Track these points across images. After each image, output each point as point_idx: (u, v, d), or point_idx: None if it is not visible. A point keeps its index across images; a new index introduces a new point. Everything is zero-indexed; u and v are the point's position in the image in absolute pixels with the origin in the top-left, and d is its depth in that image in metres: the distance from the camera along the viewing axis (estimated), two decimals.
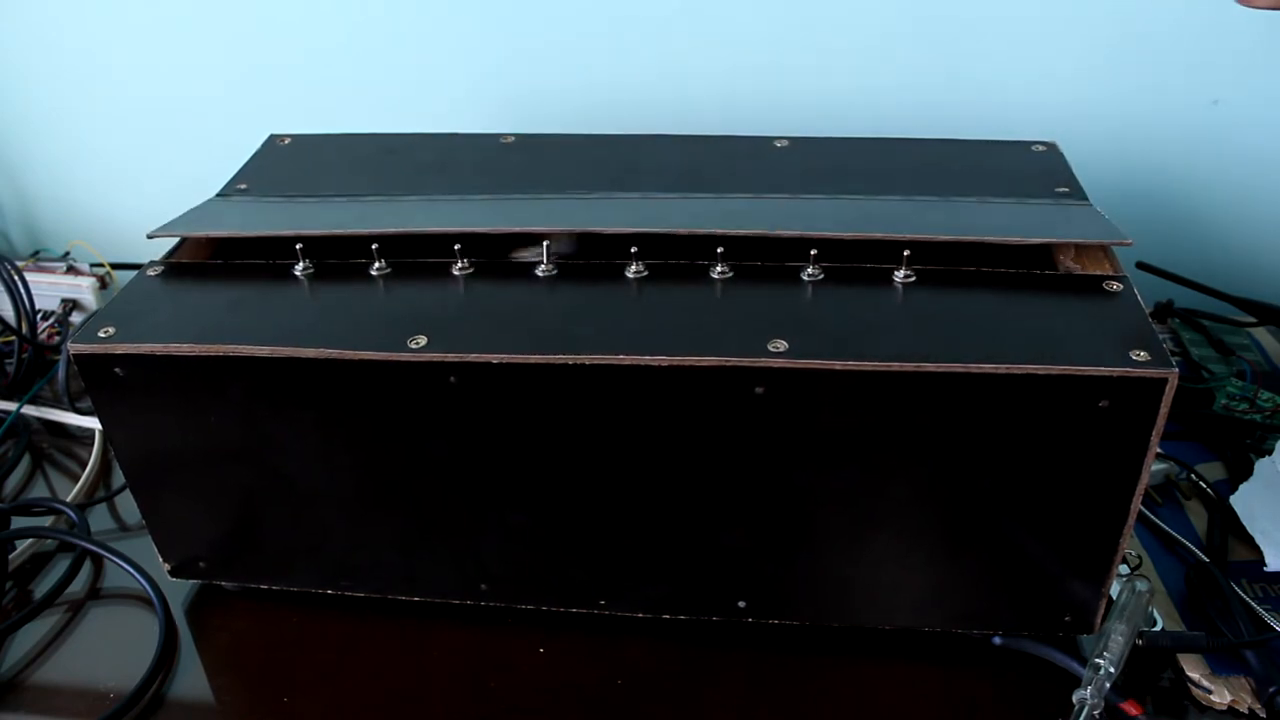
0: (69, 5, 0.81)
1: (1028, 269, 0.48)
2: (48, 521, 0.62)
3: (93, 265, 0.81)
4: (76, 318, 0.79)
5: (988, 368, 0.41)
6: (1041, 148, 0.60)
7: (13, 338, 0.74)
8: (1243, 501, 0.57)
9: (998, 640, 0.51)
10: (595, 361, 0.43)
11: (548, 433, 0.46)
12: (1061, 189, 0.55)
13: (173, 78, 0.83)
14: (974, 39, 0.71)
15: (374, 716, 0.50)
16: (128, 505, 0.64)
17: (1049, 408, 0.42)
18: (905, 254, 0.47)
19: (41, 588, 0.57)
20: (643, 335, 0.44)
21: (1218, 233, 0.77)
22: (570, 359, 0.43)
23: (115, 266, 0.81)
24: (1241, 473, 0.60)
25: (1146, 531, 0.57)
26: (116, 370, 0.46)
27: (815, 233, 0.48)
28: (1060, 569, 0.47)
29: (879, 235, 0.48)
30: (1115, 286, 0.46)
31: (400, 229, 0.50)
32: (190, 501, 0.51)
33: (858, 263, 0.48)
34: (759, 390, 0.43)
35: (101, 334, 0.46)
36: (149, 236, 0.53)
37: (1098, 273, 0.48)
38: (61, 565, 0.58)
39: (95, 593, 0.58)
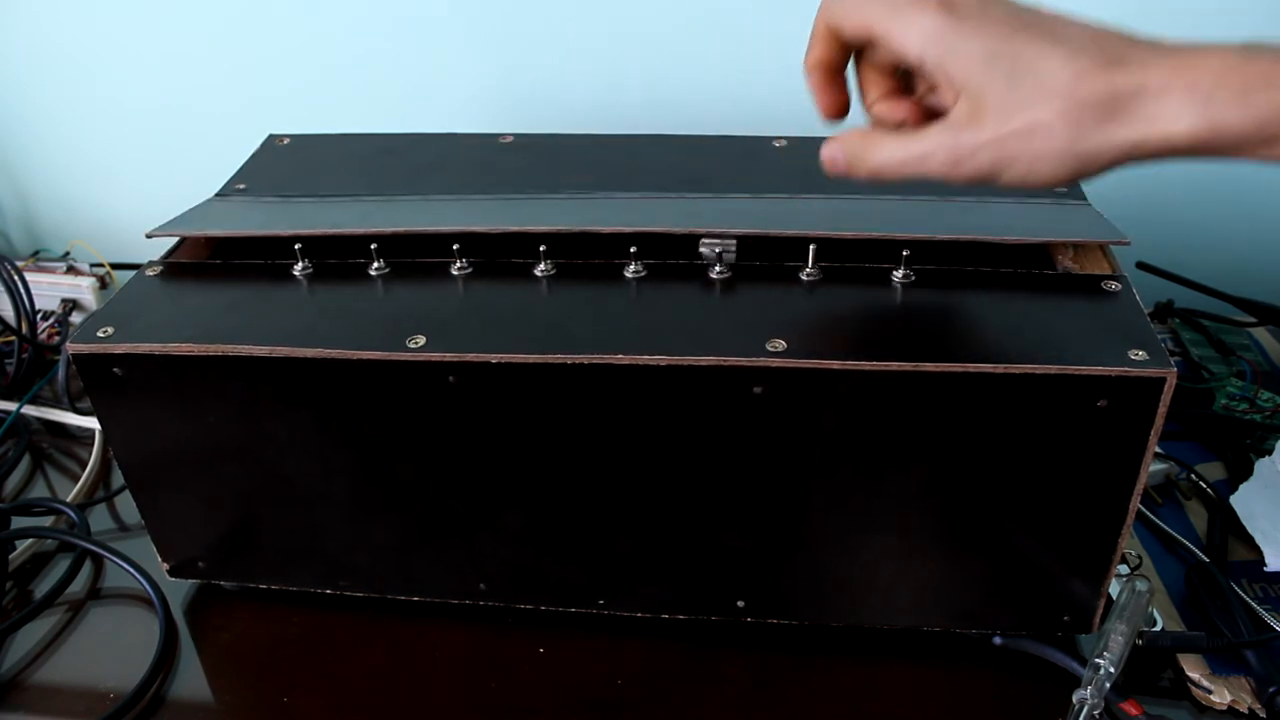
0: (69, 5, 0.81)
1: (1026, 269, 0.48)
2: (48, 521, 0.62)
3: (93, 265, 0.81)
4: (76, 318, 0.79)
5: (986, 368, 0.41)
6: None
7: (13, 338, 0.74)
8: (1243, 501, 0.57)
9: (998, 640, 0.51)
10: (594, 361, 0.43)
11: (546, 432, 0.46)
12: (1060, 189, 0.55)
13: (172, 78, 0.83)
14: None
15: (374, 716, 0.50)
16: (128, 505, 0.64)
17: (1048, 407, 0.42)
18: (904, 254, 0.47)
19: (41, 588, 0.57)
20: (641, 335, 0.44)
21: (1218, 233, 0.77)
22: (569, 359, 0.43)
23: (115, 266, 0.81)
24: (1241, 473, 0.60)
25: (1146, 531, 0.57)
26: (115, 370, 0.46)
27: (814, 232, 0.48)
28: (1059, 569, 0.47)
29: (877, 235, 0.48)
30: (1114, 286, 0.46)
31: (398, 229, 0.50)
32: (189, 501, 0.51)
33: (857, 263, 0.48)
34: (757, 390, 0.43)
35: (100, 334, 0.46)
36: (148, 236, 0.53)
37: (1096, 273, 0.48)
38: (61, 565, 0.59)
39: (95, 593, 0.58)
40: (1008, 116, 0.37)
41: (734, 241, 0.48)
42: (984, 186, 0.39)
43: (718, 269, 0.48)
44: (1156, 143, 0.36)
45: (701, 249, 0.48)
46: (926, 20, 0.38)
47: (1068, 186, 0.38)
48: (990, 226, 0.50)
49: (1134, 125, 0.36)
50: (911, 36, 0.39)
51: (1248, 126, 0.35)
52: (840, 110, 0.45)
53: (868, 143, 0.42)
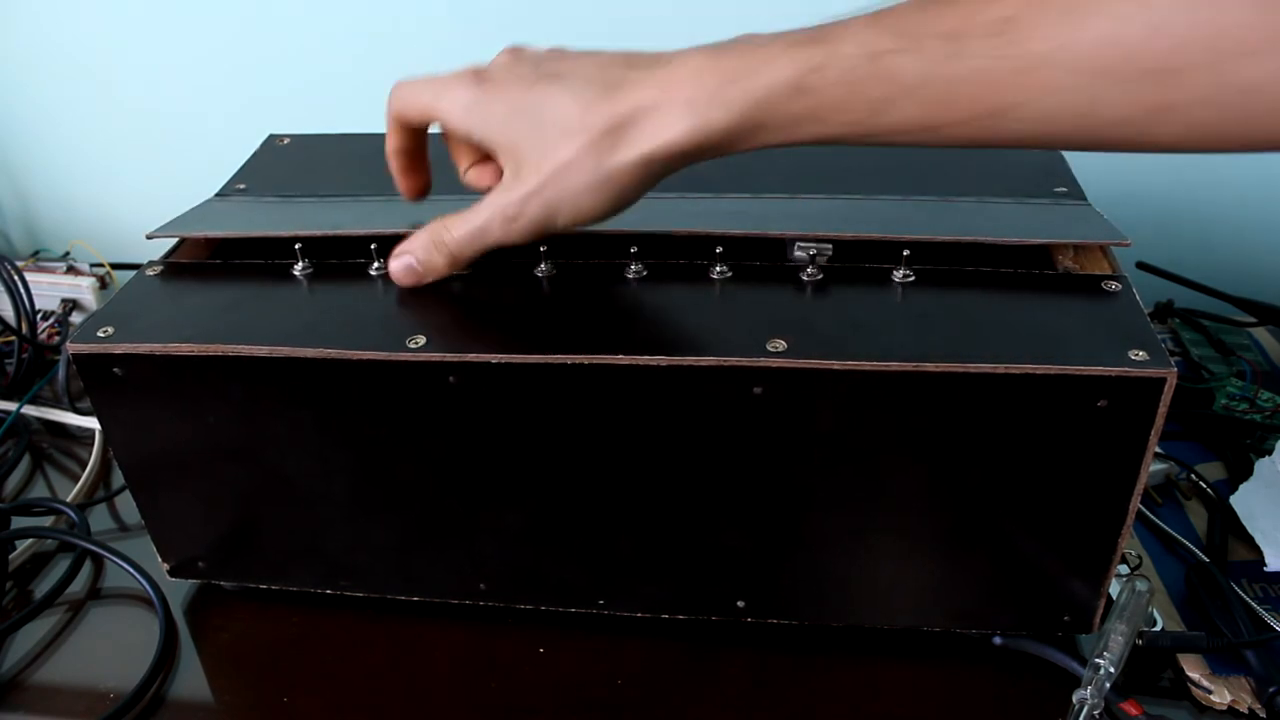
0: (69, 5, 0.81)
1: (1026, 269, 0.48)
2: (48, 521, 0.62)
3: (93, 265, 0.81)
4: (76, 318, 0.79)
5: (986, 368, 0.41)
6: None
7: (13, 338, 0.74)
8: (1243, 501, 0.57)
9: (998, 640, 0.51)
10: (594, 361, 0.43)
11: (547, 433, 0.46)
12: (1060, 189, 0.55)
13: (172, 78, 0.83)
14: None
15: (374, 716, 0.50)
16: (128, 505, 0.64)
17: (1048, 407, 0.42)
18: (905, 254, 0.47)
19: (41, 588, 0.57)
20: (642, 335, 0.44)
21: (1218, 233, 0.77)
22: (569, 359, 0.43)
23: (115, 266, 0.81)
24: (1241, 473, 0.60)
25: (1146, 531, 0.57)
26: (115, 370, 0.46)
27: (814, 232, 0.48)
28: (1059, 569, 0.47)
29: (877, 235, 0.48)
30: (1114, 286, 0.46)
31: (398, 229, 0.50)
32: (189, 501, 0.51)
33: (857, 263, 0.48)
34: (757, 390, 0.43)
35: (100, 334, 0.46)
36: (148, 237, 0.53)
37: (1096, 273, 0.48)
38: (61, 565, 0.59)
39: (95, 593, 0.58)
40: (540, 164, 0.40)
41: (829, 245, 0.48)
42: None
43: (718, 269, 0.48)
44: (667, 151, 0.39)
45: (796, 252, 0.49)
46: (462, 93, 0.42)
47: (618, 212, 0.42)
48: (990, 227, 0.50)
49: (641, 142, 0.39)
50: (455, 112, 0.42)
51: (733, 120, 0.38)
52: (422, 190, 0.50)
53: (439, 228, 0.45)
